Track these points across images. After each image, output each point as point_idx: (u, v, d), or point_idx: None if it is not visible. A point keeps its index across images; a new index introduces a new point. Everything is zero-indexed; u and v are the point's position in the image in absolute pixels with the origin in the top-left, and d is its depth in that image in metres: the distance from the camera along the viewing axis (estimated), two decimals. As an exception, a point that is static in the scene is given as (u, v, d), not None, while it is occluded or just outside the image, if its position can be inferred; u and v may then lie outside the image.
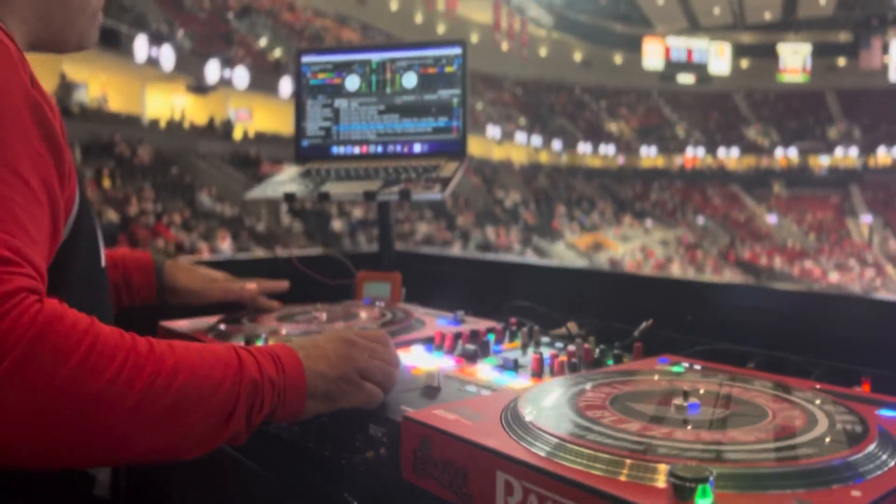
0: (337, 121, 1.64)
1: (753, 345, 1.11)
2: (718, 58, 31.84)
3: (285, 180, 1.57)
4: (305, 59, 1.67)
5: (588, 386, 0.83)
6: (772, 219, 30.39)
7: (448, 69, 1.59)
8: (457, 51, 1.59)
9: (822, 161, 31.48)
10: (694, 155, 32.33)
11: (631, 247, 25.52)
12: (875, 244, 28.42)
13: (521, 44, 25.60)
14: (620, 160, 31.72)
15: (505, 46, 25.58)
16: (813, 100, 33.52)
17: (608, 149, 31.51)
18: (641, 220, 28.66)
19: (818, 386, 0.87)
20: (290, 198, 1.47)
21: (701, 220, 29.69)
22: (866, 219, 29.47)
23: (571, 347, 1.05)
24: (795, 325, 1.17)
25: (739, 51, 32.22)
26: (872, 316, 1.12)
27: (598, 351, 1.06)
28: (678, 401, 0.73)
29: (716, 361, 1.01)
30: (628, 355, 1.07)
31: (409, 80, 1.61)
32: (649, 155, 32.07)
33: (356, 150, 1.64)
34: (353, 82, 1.64)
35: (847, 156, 31.09)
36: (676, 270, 24.42)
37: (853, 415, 0.72)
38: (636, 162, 32.20)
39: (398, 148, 1.61)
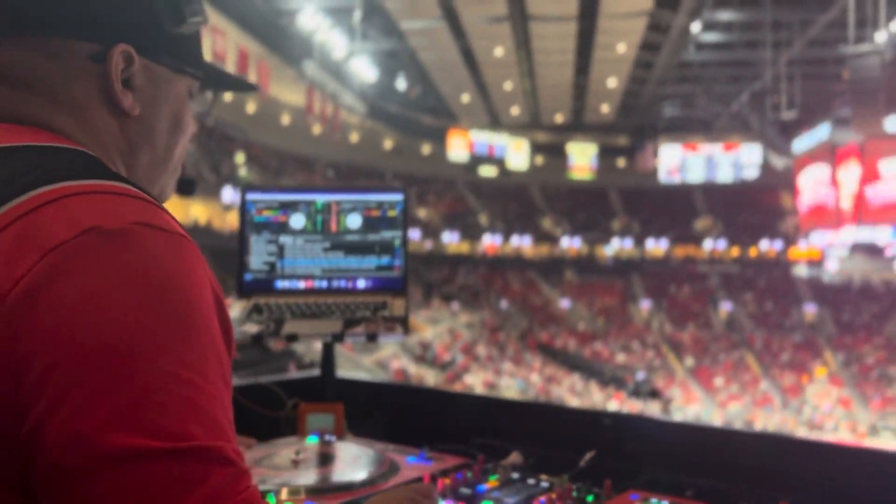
0: (282, 256, 1.71)
1: (688, 473, 1.32)
2: (517, 153, 34.39)
3: (240, 317, 1.60)
4: (251, 196, 1.73)
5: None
6: (565, 303, 32.72)
7: (391, 213, 1.73)
8: (399, 197, 1.74)
9: (607, 251, 34.65)
10: (492, 242, 34.21)
11: (439, 329, 26.26)
12: (654, 327, 31.47)
13: (333, 128, 26.12)
14: (428, 245, 32.87)
15: (317, 130, 25.94)
16: (598, 195, 37.08)
17: (416, 234, 32.66)
18: (448, 302, 29.68)
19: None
20: (256, 339, 1.52)
21: (503, 303, 31.33)
22: (645, 304, 32.64)
23: (556, 489, 1.20)
24: (719, 456, 1.40)
25: (535, 148, 35.08)
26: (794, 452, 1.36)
27: (575, 491, 1.22)
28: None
29: (674, 494, 1.21)
30: (599, 490, 1.24)
31: (354, 220, 1.73)
32: (452, 241, 33.55)
33: (301, 284, 1.71)
34: (298, 220, 1.72)
35: (628, 247, 34.50)
36: (482, 351, 25.44)
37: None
38: (443, 247, 33.54)
39: (342, 283, 1.71)
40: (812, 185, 26.26)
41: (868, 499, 1.16)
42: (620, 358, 28.66)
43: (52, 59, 0.79)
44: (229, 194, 20.27)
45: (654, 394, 26.22)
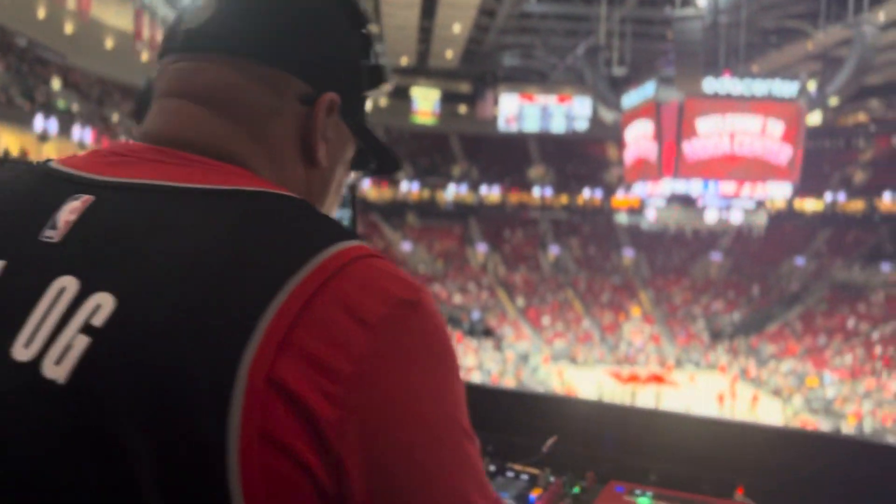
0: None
1: (651, 460, 1.41)
2: (361, 94, 33.83)
3: None
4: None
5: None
6: (406, 246, 33.15)
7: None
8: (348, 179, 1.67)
9: (448, 196, 35.31)
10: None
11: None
12: (489, 269, 32.72)
13: (163, 57, 24.25)
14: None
15: (146, 57, 24.08)
16: (440, 140, 37.48)
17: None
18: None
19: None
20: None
21: (344, 246, 31.10)
22: (482, 247, 33.80)
23: (548, 481, 1.24)
24: (677, 442, 1.50)
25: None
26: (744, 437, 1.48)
27: (564, 483, 1.27)
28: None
29: (637, 482, 1.28)
30: (581, 482, 1.30)
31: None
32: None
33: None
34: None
35: (467, 192, 35.33)
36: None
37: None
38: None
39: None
40: (637, 138, 28.07)
41: (815, 478, 1.30)
42: (458, 299, 29.65)
43: (265, 90, 0.70)
44: (44, 124, 18.39)
45: (488, 332, 27.43)
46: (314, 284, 0.56)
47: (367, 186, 33.51)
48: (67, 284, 0.57)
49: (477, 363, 24.09)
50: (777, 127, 25.13)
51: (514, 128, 35.94)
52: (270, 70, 0.70)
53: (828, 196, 31.88)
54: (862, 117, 32.94)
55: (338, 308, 0.56)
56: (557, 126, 35.57)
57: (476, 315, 28.26)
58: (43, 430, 0.55)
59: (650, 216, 28.62)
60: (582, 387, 22.49)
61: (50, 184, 0.66)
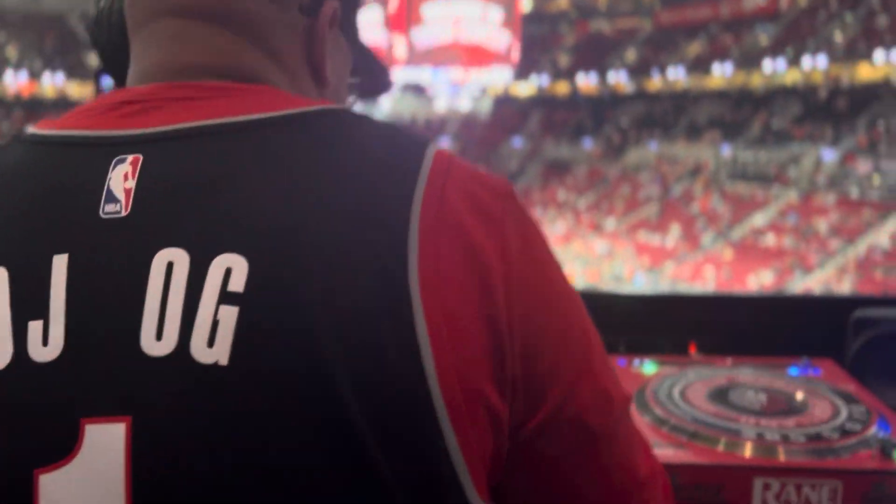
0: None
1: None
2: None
3: None
4: (107, 81, 1.33)
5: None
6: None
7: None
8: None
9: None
10: (22, 81, 29.56)
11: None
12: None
13: None
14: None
15: None
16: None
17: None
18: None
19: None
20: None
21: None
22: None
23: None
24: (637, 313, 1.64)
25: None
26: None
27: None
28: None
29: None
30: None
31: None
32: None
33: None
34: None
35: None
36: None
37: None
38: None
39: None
40: (366, 27, 27.86)
41: (758, 333, 1.53)
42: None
43: (272, 2, 0.60)
44: None
45: None
46: (436, 191, 0.52)
47: (62, 84, 29.72)
48: (173, 257, 0.49)
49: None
50: (497, 13, 26.45)
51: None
52: None
53: (538, 80, 34.63)
54: (564, 3, 35.79)
55: (467, 209, 0.53)
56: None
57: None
58: (231, 420, 0.47)
59: (385, 107, 29.03)
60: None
61: (77, 153, 0.54)
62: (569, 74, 34.21)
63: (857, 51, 24.28)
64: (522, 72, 31.13)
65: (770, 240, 20.84)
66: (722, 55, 29.08)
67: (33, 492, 0.47)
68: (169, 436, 0.47)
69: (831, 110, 24.46)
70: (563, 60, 35.45)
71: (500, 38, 27.07)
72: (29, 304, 0.49)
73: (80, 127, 0.56)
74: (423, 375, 0.48)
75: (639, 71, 31.90)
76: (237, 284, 0.48)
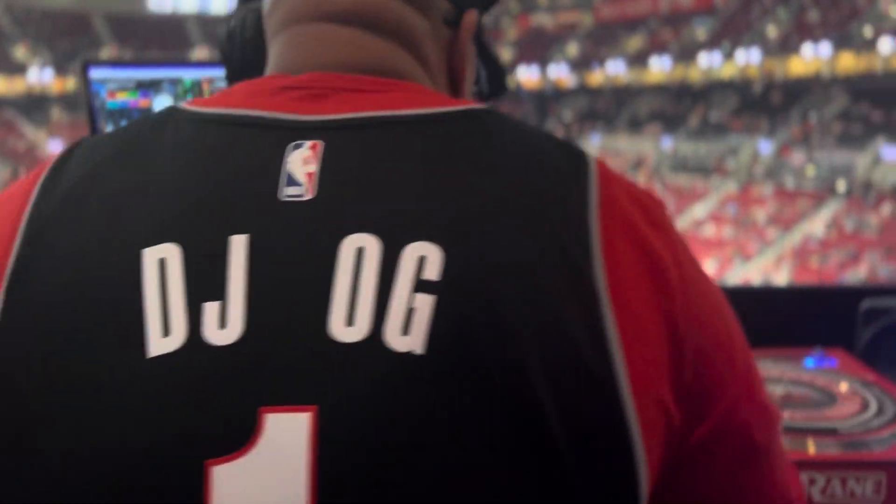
0: (151, 154, 1.31)
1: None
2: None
3: None
4: (95, 73, 1.25)
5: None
6: (55, 145, 29.19)
7: (274, 93, 1.45)
8: (280, 73, 1.46)
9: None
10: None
11: None
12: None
13: None
14: None
15: None
16: (80, 22, 32.81)
17: None
18: None
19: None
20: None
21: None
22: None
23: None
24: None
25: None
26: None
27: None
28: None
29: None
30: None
31: (234, 104, 1.40)
32: None
33: (181, 188, 1.35)
34: (164, 104, 1.31)
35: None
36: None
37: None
38: None
39: (231, 183, 1.40)
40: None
41: (767, 324, 1.53)
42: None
43: (413, 10, 0.60)
44: None
45: None
46: (608, 193, 0.52)
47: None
48: (363, 243, 0.47)
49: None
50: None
51: (167, 7, 32.86)
52: None
53: (481, 73, 34.57)
54: (506, -2, 35.90)
55: (638, 214, 0.52)
56: (219, 6, 33.31)
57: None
58: (426, 410, 0.45)
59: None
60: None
61: (250, 134, 0.52)
62: (511, 69, 34.37)
63: (789, 45, 25.06)
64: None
65: (711, 230, 21.38)
66: (661, 49, 29.65)
67: (204, 483, 0.43)
68: (360, 425, 0.44)
69: (767, 103, 25.22)
70: (506, 54, 35.62)
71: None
72: (204, 283, 0.46)
73: (247, 107, 0.54)
74: (614, 375, 0.47)
75: (580, 65, 32.28)
76: (432, 273, 0.46)
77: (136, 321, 0.45)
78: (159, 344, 0.45)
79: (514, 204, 0.50)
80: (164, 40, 33.52)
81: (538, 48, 34.15)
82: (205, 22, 34.61)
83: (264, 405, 0.44)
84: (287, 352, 0.45)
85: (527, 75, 33.41)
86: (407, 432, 0.44)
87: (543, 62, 33.18)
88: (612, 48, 31.81)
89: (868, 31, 23.36)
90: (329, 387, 0.44)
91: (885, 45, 22.59)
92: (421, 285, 0.46)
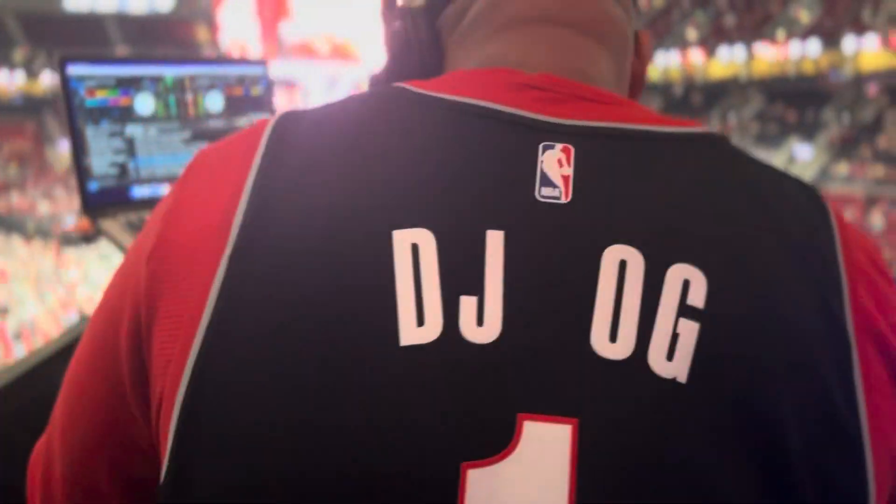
0: (133, 153, 1.26)
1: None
2: None
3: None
4: (73, 69, 1.19)
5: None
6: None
7: (254, 91, 1.41)
8: (261, 71, 1.42)
9: (12, 88, 30.06)
10: None
11: None
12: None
13: None
14: None
15: None
16: (-10, 20, 31.31)
17: None
18: None
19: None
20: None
21: None
22: (65, 146, 29.88)
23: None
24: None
25: None
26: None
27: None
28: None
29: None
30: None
31: (215, 101, 1.36)
32: None
33: (163, 189, 1.30)
34: (145, 103, 1.27)
35: (38, 81, 30.46)
36: None
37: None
38: None
39: (214, 184, 1.36)
40: (234, 18, 26.95)
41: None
42: (44, 207, 26.11)
43: (626, 25, 0.62)
44: None
45: (89, 238, 24.86)
46: (848, 237, 0.52)
47: None
48: (626, 256, 0.45)
49: (83, 275, 21.80)
50: (373, 7, 26.24)
51: (84, 6, 31.63)
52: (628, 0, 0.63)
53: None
54: None
55: (868, 262, 0.52)
56: (138, 6, 32.29)
57: (70, 221, 25.35)
58: (685, 440, 0.43)
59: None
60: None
61: (498, 128, 0.50)
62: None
63: (708, 48, 25.95)
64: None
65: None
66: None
67: (459, 486, 0.41)
68: (620, 446, 0.42)
69: (689, 104, 26.03)
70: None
71: (373, 31, 26.93)
72: (461, 277, 0.44)
73: (484, 99, 0.51)
74: (859, 425, 0.46)
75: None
76: (697, 299, 0.45)
77: (389, 305, 0.43)
78: (412, 333, 0.43)
79: (767, 239, 0.48)
80: (83, 40, 32.25)
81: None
82: (124, 21, 33.49)
83: (523, 411, 0.42)
84: (547, 359, 0.43)
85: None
86: (664, 458, 0.42)
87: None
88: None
89: (781, 34, 24.41)
90: (591, 402, 0.42)
91: (795, 48, 23.65)
92: (686, 311, 0.44)
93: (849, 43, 21.93)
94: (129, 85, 1.25)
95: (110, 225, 1.19)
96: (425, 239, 0.45)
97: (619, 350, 0.43)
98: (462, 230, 0.45)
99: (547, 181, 0.48)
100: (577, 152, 0.49)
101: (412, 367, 0.42)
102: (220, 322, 0.44)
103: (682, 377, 0.43)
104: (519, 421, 0.42)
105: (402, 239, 0.44)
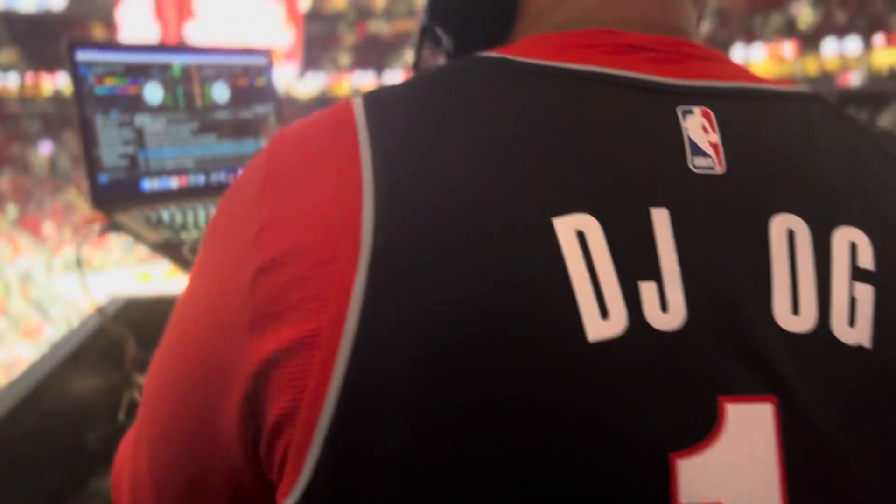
0: (142, 145, 1.20)
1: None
2: None
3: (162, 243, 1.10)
4: (82, 55, 1.12)
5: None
6: None
7: (259, 82, 1.37)
8: (264, 61, 1.38)
9: None
10: None
11: None
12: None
13: None
14: None
15: None
16: None
17: None
18: None
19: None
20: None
21: None
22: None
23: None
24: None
25: None
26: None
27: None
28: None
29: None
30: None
31: (221, 92, 1.31)
32: None
33: (173, 182, 1.24)
34: (154, 92, 1.21)
35: None
36: None
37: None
38: None
39: (222, 177, 1.31)
40: (135, 19, 25.92)
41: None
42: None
43: None
44: None
45: (107, 229, 23.28)
46: None
47: None
48: (791, 225, 0.44)
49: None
50: (276, 10, 25.80)
51: (-34, 3, 29.72)
52: None
53: (316, 79, 34.26)
54: (342, 4, 35.71)
55: None
56: (27, 3, 30.62)
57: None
58: (876, 408, 0.43)
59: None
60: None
61: (629, 96, 0.47)
62: (348, 72, 34.22)
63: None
64: (303, 72, 30.76)
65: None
66: (495, 57, 30.60)
67: (671, 477, 0.40)
68: (820, 419, 0.41)
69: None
70: (344, 60, 35.43)
71: (284, 34, 26.47)
72: (635, 262, 0.42)
73: (594, 64, 0.47)
74: None
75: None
76: (866, 261, 0.44)
77: (567, 301, 0.40)
78: (599, 328, 0.40)
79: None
80: (-36, 39, 30.29)
81: (375, 55, 34.22)
82: (12, 19, 31.64)
83: (723, 394, 0.41)
84: (736, 339, 0.42)
85: (362, 81, 33.39)
86: (861, 430, 0.42)
87: (380, 69, 33.28)
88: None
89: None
90: (786, 377, 0.42)
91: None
92: (858, 274, 0.44)
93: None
94: (138, 73, 1.19)
95: (127, 219, 1.13)
96: (589, 224, 0.41)
97: (804, 321, 0.43)
98: (626, 211, 0.42)
99: (698, 150, 0.46)
100: (718, 116, 0.47)
101: (605, 364, 0.40)
102: (366, 339, 0.39)
103: (867, 342, 0.43)
104: (721, 405, 0.41)
105: (565, 227, 0.41)
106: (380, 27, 35.76)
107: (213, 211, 1.18)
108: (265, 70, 1.38)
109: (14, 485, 0.90)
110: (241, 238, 0.44)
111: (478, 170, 0.42)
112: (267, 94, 1.38)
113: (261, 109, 1.37)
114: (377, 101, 0.47)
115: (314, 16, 34.83)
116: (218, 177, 1.31)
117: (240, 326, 0.42)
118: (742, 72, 0.52)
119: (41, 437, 0.99)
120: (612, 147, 0.44)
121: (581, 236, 0.41)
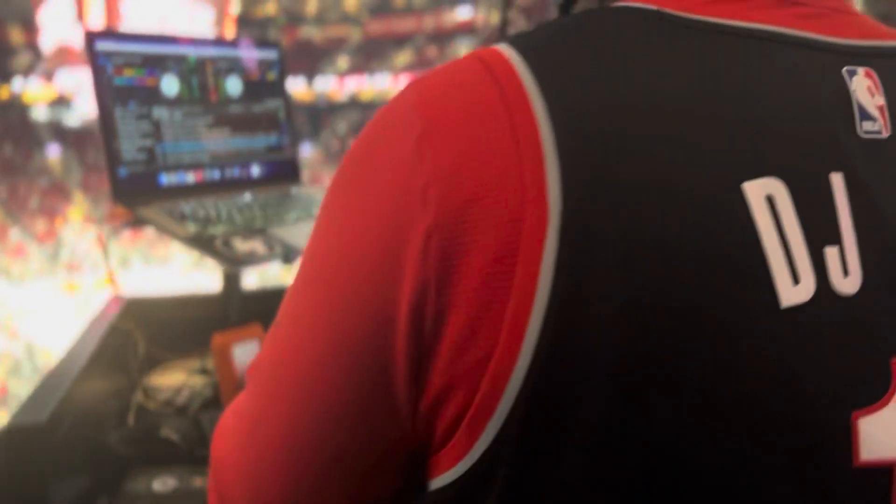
0: (160, 138, 1.16)
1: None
2: None
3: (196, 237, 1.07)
4: (102, 45, 1.08)
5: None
6: None
7: (269, 76, 1.35)
8: (274, 54, 1.36)
9: None
10: None
11: None
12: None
13: None
14: None
15: None
16: None
17: None
18: None
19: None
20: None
21: None
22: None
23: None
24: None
25: None
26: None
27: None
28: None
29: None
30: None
31: (234, 85, 1.28)
32: None
33: (190, 177, 1.21)
34: (170, 84, 1.18)
35: None
36: None
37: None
38: None
39: (235, 172, 1.28)
40: (56, 21, 24.97)
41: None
42: None
43: None
44: None
45: (132, 223, 21.79)
46: None
47: None
48: None
49: None
50: (206, 14, 25.28)
51: None
52: None
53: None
54: (272, 9, 35.24)
55: None
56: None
57: None
58: None
59: (82, 109, 26.18)
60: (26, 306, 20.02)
61: (784, 51, 0.45)
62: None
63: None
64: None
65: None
66: (428, 65, 30.82)
67: (852, 436, 0.42)
68: None
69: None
70: (275, 66, 34.97)
71: (208, 33, 25.98)
72: (820, 226, 0.42)
73: (758, 21, 0.46)
74: None
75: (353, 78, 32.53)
76: None
77: (760, 266, 0.40)
78: (790, 293, 0.41)
79: None
80: None
81: (307, 61, 33.89)
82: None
83: (894, 354, 0.43)
84: None
85: (293, 87, 33.01)
86: None
87: (311, 75, 32.98)
88: (382, 62, 32.48)
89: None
90: None
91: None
92: None
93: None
94: (155, 64, 1.16)
95: (151, 213, 1.10)
96: (778, 189, 0.41)
97: None
98: (808, 175, 0.43)
99: (865, 114, 0.45)
100: (881, 77, 0.46)
101: (797, 328, 0.41)
102: (562, 305, 0.38)
103: None
104: (893, 364, 0.43)
105: (755, 192, 0.41)
106: (311, 33, 35.43)
107: (231, 205, 1.15)
108: (274, 64, 1.36)
109: (54, 489, 0.87)
110: (399, 191, 0.42)
111: (660, 130, 0.40)
112: (277, 88, 1.37)
113: (271, 104, 1.35)
114: (534, 50, 0.43)
115: (244, 21, 34.28)
116: (231, 172, 1.28)
117: (422, 267, 0.41)
118: (884, 29, 0.51)
119: (75, 441, 0.95)
120: (787, 109, 0.43)
121: (770, 200, 0.41)
